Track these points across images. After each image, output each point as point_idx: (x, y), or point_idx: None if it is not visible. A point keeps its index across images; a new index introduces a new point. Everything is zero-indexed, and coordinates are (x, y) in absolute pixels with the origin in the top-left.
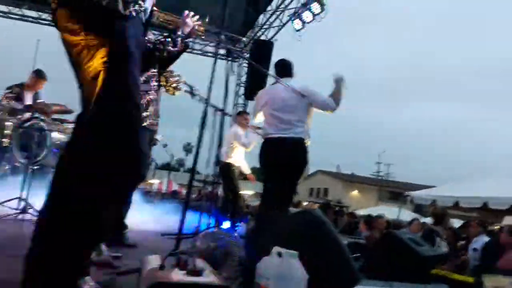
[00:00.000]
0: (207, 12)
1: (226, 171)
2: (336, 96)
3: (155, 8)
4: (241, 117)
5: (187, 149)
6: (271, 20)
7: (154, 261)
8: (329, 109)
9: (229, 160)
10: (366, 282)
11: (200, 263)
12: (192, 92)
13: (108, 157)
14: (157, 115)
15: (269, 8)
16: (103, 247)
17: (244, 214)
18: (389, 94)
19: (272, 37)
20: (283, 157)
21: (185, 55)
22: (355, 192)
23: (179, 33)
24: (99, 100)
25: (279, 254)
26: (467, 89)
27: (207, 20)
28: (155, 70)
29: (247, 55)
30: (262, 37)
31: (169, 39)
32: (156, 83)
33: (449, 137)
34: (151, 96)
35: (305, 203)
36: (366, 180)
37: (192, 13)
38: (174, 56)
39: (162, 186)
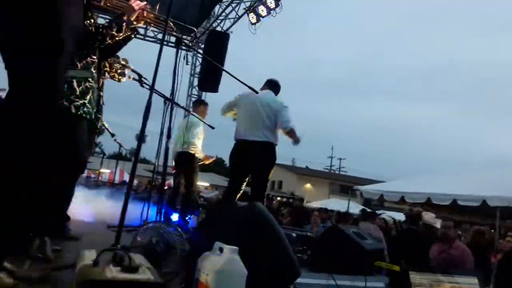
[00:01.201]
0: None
1: (189, 162)
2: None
3: None
4: (204, 106)
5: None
6: (227, 11)
7: (89, 256)
8: (288, 126)
9: (193, 151)
10: (309, 274)
11: (138, 258)
12: (140, 81)
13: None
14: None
15: None
16: (47, 240)
17: (196, 206)
18: (346, 92)
19: (227, 29)
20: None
21: (139, 42)
22: (308, 185)
23: (125, 18)
24: (15, 86)
25: (221, 249)
26: (418, 88)
27: (157, 7)
28: (94, 57)
29: (202, 45)
30: (218, 28)
31: (113, 24)
32: (95, 71)
33: (400, 134)
34: (88, 84)
35: None
36: (319, 174)
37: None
38: (121, 42)
39: (113, 176)
